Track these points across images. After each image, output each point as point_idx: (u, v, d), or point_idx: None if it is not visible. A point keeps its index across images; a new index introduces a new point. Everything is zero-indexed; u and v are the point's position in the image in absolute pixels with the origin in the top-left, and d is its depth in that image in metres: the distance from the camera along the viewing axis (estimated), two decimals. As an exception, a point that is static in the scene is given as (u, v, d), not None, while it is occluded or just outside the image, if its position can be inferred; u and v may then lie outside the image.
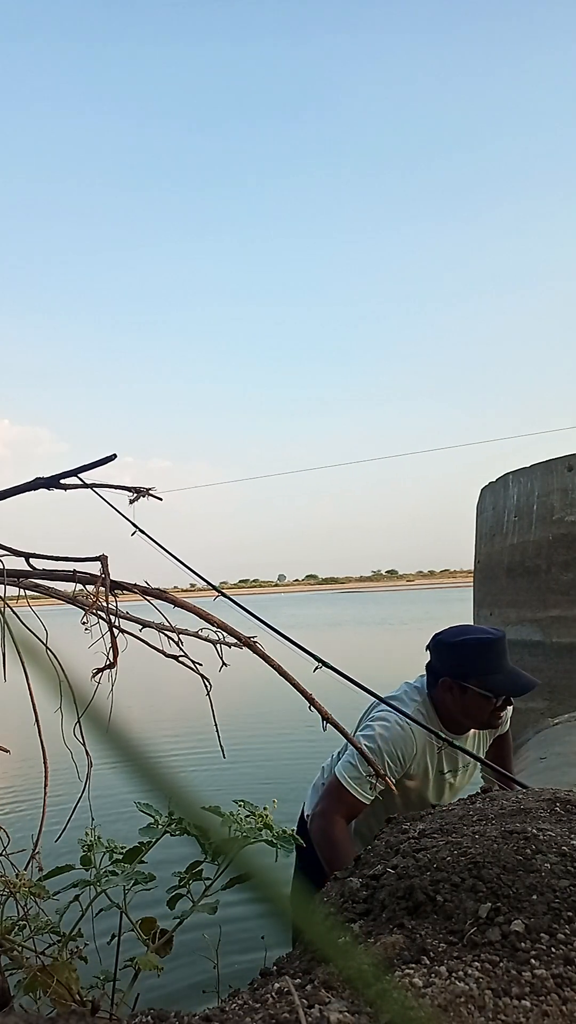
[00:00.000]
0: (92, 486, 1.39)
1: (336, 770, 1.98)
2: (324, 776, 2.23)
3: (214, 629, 1.37)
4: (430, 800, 2.04)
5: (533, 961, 0.79)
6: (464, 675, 1.96)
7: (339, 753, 2.14)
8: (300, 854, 1.84)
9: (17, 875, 1.28)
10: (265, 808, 1.36)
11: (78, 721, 0.95)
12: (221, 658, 1.37)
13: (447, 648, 2.00)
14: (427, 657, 2.11)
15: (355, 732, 2.04)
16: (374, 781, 1.86)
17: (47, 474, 1.35)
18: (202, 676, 1.35)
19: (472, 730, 2.11)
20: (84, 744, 1.10)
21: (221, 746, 1.42)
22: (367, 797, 1.91)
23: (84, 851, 1.35)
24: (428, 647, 2.08)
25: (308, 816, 2.16)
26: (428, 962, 0.82)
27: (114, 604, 1.29)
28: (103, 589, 1.26)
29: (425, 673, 2.12)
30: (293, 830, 1.36)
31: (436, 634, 2.08)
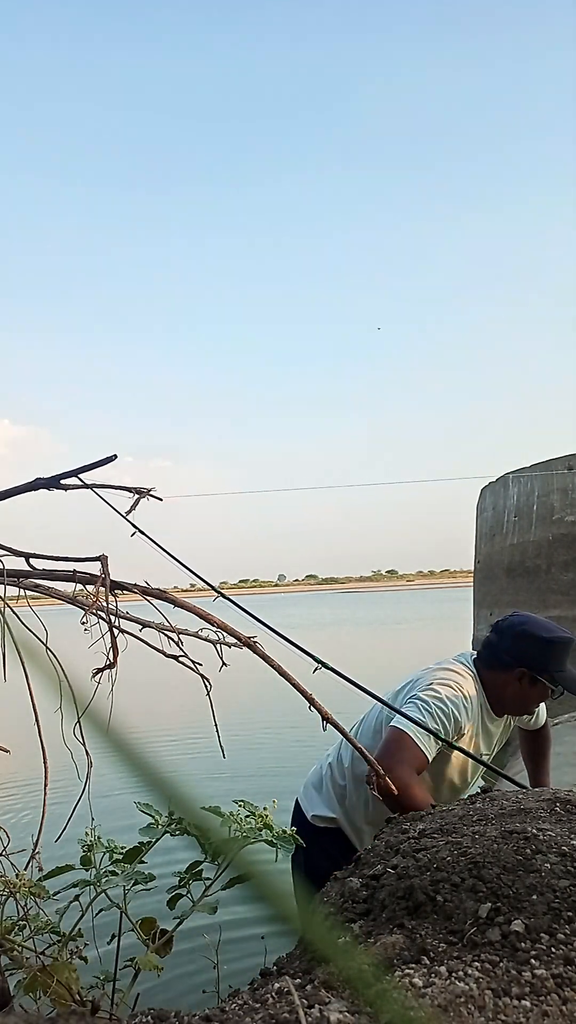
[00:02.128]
0: (92, 486, 1.39)
1: (394, 723, 1.89)
2: (324, 772, 2.20)
3: (214, 629, 1.38)
4: (468, 775, 2.04)
5: (533, 961, 0.79)
6: (542, 669, 1.97)
7: (357, 731, 2.11)
8: (303, 854, 1.81)
9: (17, 875, 1.28)
10: (265, 808, 1.36)
11: (78, 721, 0.95)
12: (221, 658, 1.37)
13: (536, 641, 1.98)
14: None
15: (406, 694, 2.02)
16: (435, 739, 1.84)
17: (47, 474, 1.35)
18: (202, 676, 1.36)
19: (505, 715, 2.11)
20: (84, 744, 1.10)
21: (221, 746, 1.42)
22: (431, 751, 1.85)
23: (84, 851, 1.35)
24: (499, 632, 2.05)
25: (313, 816, 2.15)
26: (428, 962, 0.82)
27: (114, 604, 1.29)
28: (103, 589, 1.26)
29: (475, 651, 2.11)
30: (293, 830, 1.36)
31: (511, 622, 2.06)
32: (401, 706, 1.93)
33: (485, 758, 2.04)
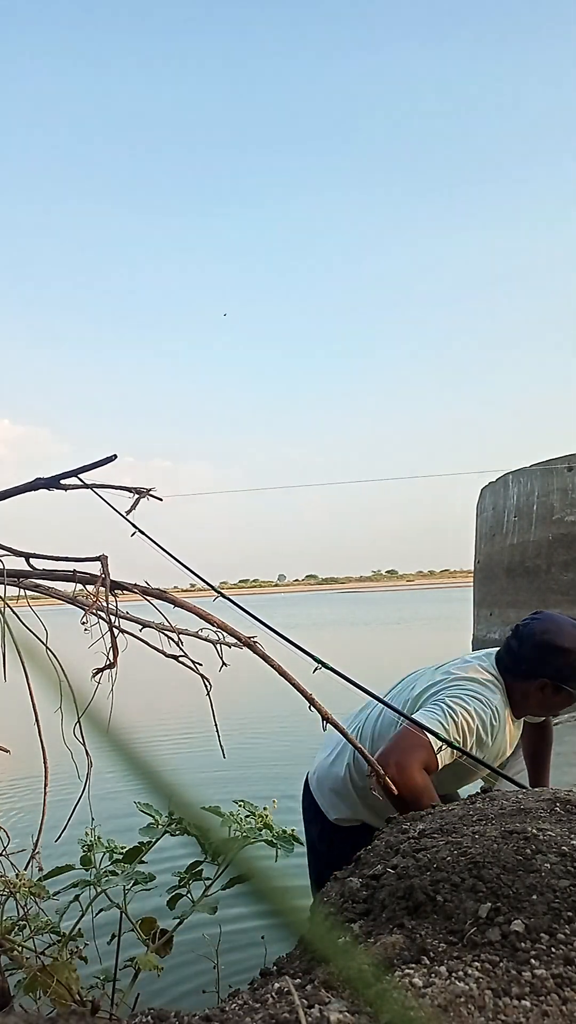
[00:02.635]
0: (92, 486, 1.39)
1: (421, 722, 1.83)
2: (343, 775, 2.14)
3: (214, 629, 1.38)
4: (473, 776, 1.99)
5: (533, 961, 0.79)
6: (565, 679, 1.93)
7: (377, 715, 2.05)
8: (326, 848, 1.77)
9: (17, 875, 1.28)
10: (265, 808, 1.36)
11: (78, 721, 0.95)
12: (221, 658, 1.37)
13: (558, 652, 1.93)
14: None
15: (429, 695, 1.95)
16: (454, 747, 1.78)
17: (47, 474, 1.35)
18: (202, 676, 1.36)
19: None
20: (84, 744, 1.10)
21: (221, 746, 1.42)
22: (446, 759, 1.80)
23: (84, 851, 1.35)
24: (520, 638, 1.98)
25: (336, 819, 2.09)
26: (428, 962, 0.82)
27: (114, 604, 1.29)
28: (103, 589, 1.26)
29: (500, 653, 2.04)
30: (293, 830, 1.37)
31: (531, 629, 1.99)
32: (423, 705, 1.89)
33: (503, 759, 2.01)
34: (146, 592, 1.36)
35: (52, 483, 1.35)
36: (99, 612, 1.27)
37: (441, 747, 1.76)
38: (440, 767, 1.77)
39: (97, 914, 1.31)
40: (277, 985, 0.81)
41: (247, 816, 1.34)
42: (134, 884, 1.30)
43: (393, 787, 1.61)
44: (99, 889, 1.29)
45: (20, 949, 1.21)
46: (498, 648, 2.07)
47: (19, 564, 1.31)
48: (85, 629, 1.25)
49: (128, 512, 1.47)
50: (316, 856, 2.04)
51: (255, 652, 1.36)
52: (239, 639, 1.38)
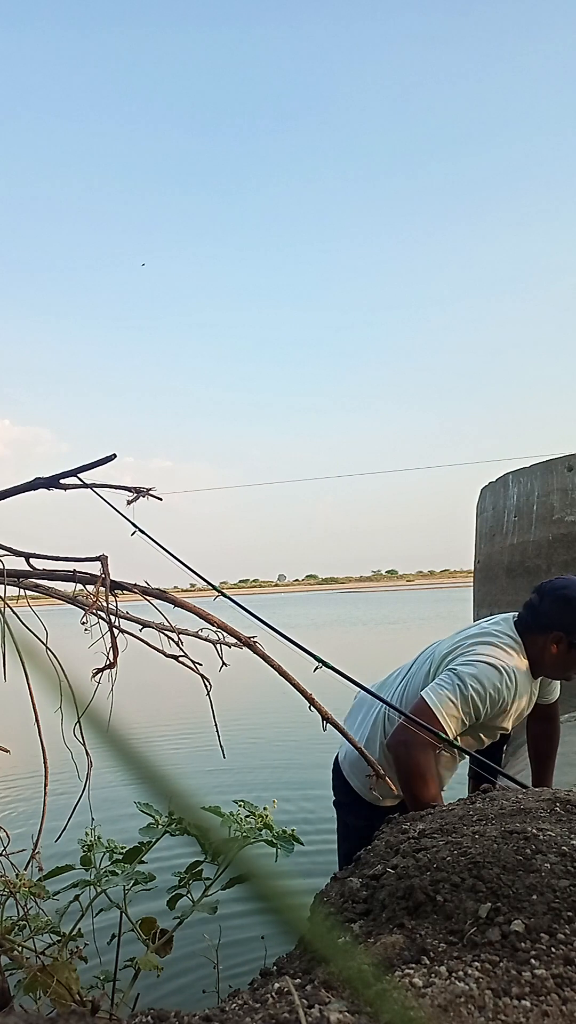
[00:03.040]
0: (92, 486, 1.39)
1: (426, 695, 1.86)
2: (377, 758, 2.12)
3: (214, 629, 1.38)
4: (508, 727, 2.01)
5: (533, 961, 0.79)
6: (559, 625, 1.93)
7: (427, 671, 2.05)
8: (366, 823, 1.82)
9: (17, 875, 1.28)
10: (265, 808, 1.36)
11: (78, 721, 0.95)
12: (221, 658, 1.37)
13: (570, 605, 1.94)
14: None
15: (448, 661, 1.98)
16: (467, 719, 1.82)
17: (47, 474, 1.35)
18: (202, 676, 1.36)
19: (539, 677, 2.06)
20: (84, 744, 1.10)
21: (221, 746, 1.42)
22: (455, 732, 1.84)
23: (84, 851, 1.35)
24: (540, 593, 2.01)
25: (344, 760, 2.12)
26: (428, 962, 0.82)
27: (114, 604, 1.29)
28: (103, 589, 1.26)
29: (520, 613, 2.06)
30: (293, 830, 1.36)
31: (553, 584, 2.02)
32: (441, 672, 1.92)
33: (520, 721, 2.02)
34: (146, 592, 1.36)
35: (52, 483, 1.35)
36: (99, 612, 1.27)
37: (452, 718, 1.80)
38: (455, 736, 1.82)
39: (97, 914, 1.31)
40: (277, 985, 0.81)
41: (247, 816, 1.34)
42: (134, 884, 1.29)
43: (393, 786, 1.62)
44: (99, 889, 1.29)
45: (20, 949, 1.21)
46: (517, 611, 2.08)
47: (19, 564, 1.31)
48: (85, 629, 1.25)
49: (129, 512, 1.47)
50: (358, 838, 2.03)
51: (255, 652, 1.36)
52: (239, 639, 1.37)
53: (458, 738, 1.87)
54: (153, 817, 1.37)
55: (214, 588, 1.68)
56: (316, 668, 1.59)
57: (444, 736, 1.78)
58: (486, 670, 1.87)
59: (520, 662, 1.93)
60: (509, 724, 1.98)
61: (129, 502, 1.45)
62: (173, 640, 1.36)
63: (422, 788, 1.75)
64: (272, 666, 1.35)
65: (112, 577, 1.28)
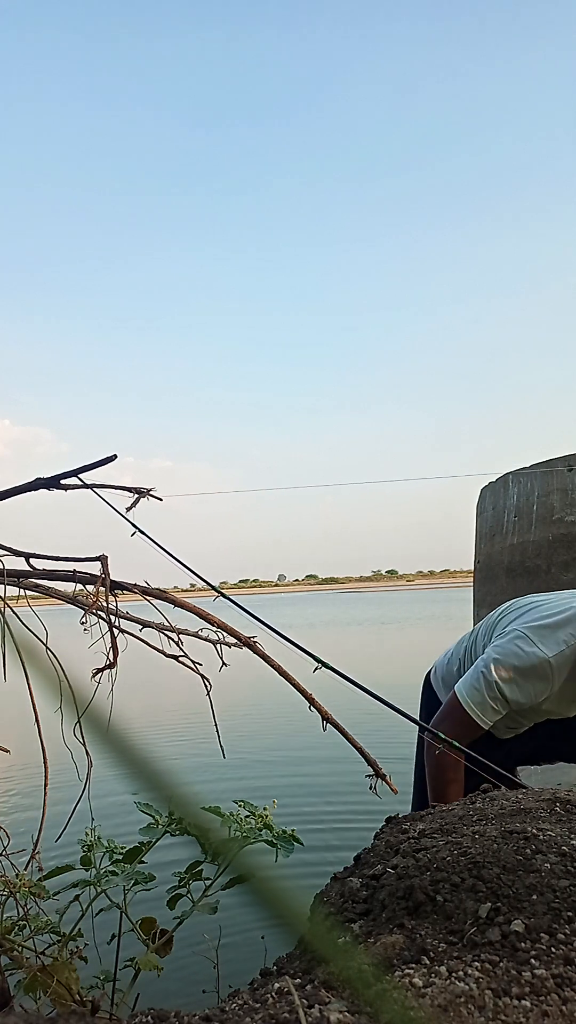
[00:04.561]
0: (92, 486, 1.39)
1: (457, 689, 1.87)
2: (465, 655, 2.14)
3: (214, 629, 1.38)
4: (566, 712, 1.96)
5: (533, 961, 0.79)
6: None
7: (484, 638, 2.05)
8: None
9: (17, 875, 1.28)
10: (265, 808, 1.36)
11: (78, 721, 0.95)
12: (221, 658, 1.37)
13: None
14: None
15: (498, 631, 1.97)
16: (497, 706, 1.82)
17: (47, 474, 1.35)
18: (202, 676, 1.36)
19: None
20: (84, 744, 1.10)
21: (221, 746, 1.42)
22: (487, 722, 1.84)
23: (84, 851, 1.35)
24: None
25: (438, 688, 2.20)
26: (428, 962, 0.82)
27: (114, 604, 1.29)
28: (103, 589, 1.26)
29: None
30: (293, 830, 1.36)
31: None
32: (492, 641, 1.94)
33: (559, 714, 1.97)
34: (146, 592, 1.36)
35: (52, 483, 1.35)
36: (99, 612, 1.27)
37: (480, 706, 1.84)
38: (487, 727, 1.86)
39: (97, 914, 1.31)
40: (277, 985, 0.81)
41: (247, 816, 1.34)
42: (134, 884, 1.29)
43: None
44: (99, 889, 1.29)
45: (20, 949, 1.21)
46: None
47: (19, 564, 1.31)
48: (85, 629, 1.25)
49: (128, 512, 1.47)
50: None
51: (255, 652, 1.36)
52: (239, 639, 1.38)
53: (497, 724, 1.89)
54: (153, 817, 1.37)
55: (213, 588, 1.68)
56: (316, 669, 1.59)
57: (463, 732, 1.84)
58: (511, 651, 1.84)
59: (557, 655, 1.83)
60: (557, 708, 1.91)
61: (129, 507, 1.45)
62: (173, 640, 1.36)
63: (441, 784, 1.83)
64: (272, 666, 1.35)
65: (112, 577, 1.28)
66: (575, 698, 1.92)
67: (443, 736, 1.77)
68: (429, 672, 2.38)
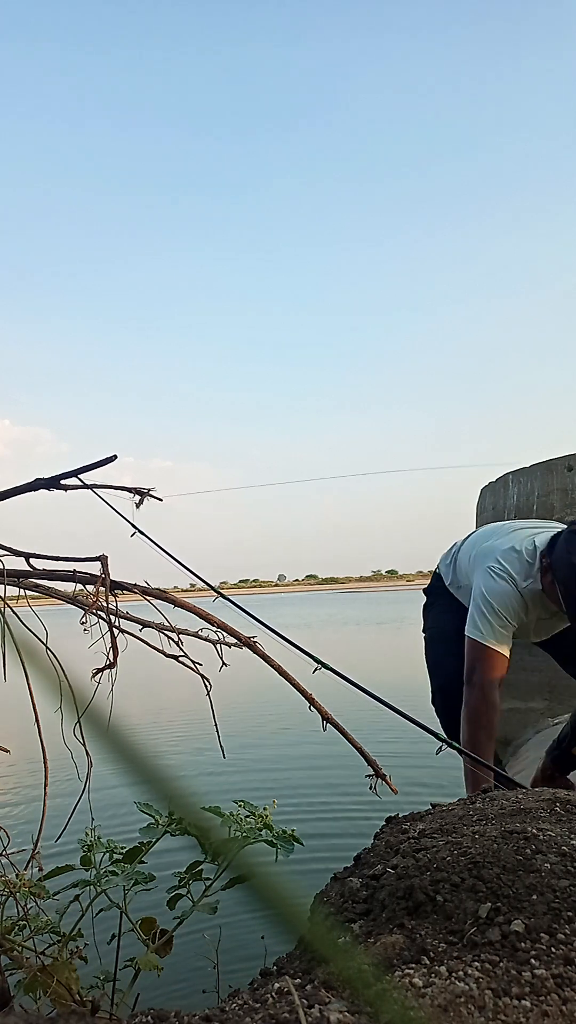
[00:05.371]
0: (92, 487, 1.39)
1: (468, 633, 2.15)
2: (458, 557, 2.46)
3: (214, 629, 1.38)
4: (532, 637, 2.30)
5: (533, 961, 0.79)
6: (552, 566, 2.12)
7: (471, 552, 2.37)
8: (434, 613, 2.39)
9: (17, 875, 1.28)
10: (265, 808, 1.36)
11: (78, 721, 0.95)
12: (221, 658, 1.37)
13: (564, 537, 2.12)
14: None
15: (477, 556, 2.28)
16: (505, 629, 2.11)
17: (47, 474, 1.35)
18: (202, 676, 1.36)
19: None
20: (84, 744, 1.10)
21: (221, 746, 1.42)
22: (508, 646, 2.14)
23: (84, 851, 1.35)
24: (567, 525, 2.21)
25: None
26: (428, 962, 0.82)
27: (114, 604, 1.29)
28: (103, 589, 1.26)
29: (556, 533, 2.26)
30: (293, 830, 1.36)
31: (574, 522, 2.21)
32: (472, 563, 2.29)
33: (546, 620, 2.25)
34: (146, 592, 1.36)
35: (52, 483, 1.35)
36: (99, 612, 1.27)
37: (499, 636, 2.13)
38: (508, 653, 2.15)
39: (97, 914, 1.31)
40: (277, 985, 0.81)
41: (247, 816, 1.34)
42: (134, 884, 1.29)
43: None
44: (99, 889, 1.29)
45: (20, 949, 1.21)
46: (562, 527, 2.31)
47: (19, 564, 1.31)
48: (85, 629, 1.25)
49: (129, 512, 1.47)
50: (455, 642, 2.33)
51: (255, 652, 1.36)
52: (239, 639, 1.38)
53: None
54: (153, 817, 1.37)
55: (213, 589, 1.68)
56: (316, 669, 1.59)
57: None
58: (493, 598, 2.15)
59: (522, 588, 2.16)
60: (530, 629, 2.26)
61: (137, 506, 1.45)
62: (173, 640, 1.36)
63: (483, 731, 2.10)
64: (272, 666, 1.35)
65: (112, 577, 1.28)
66: (552, 613, 2.23)
67: (447, 739, 1.89)
68: (439, 571, 2.71)
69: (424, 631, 2.73)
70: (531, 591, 2.14)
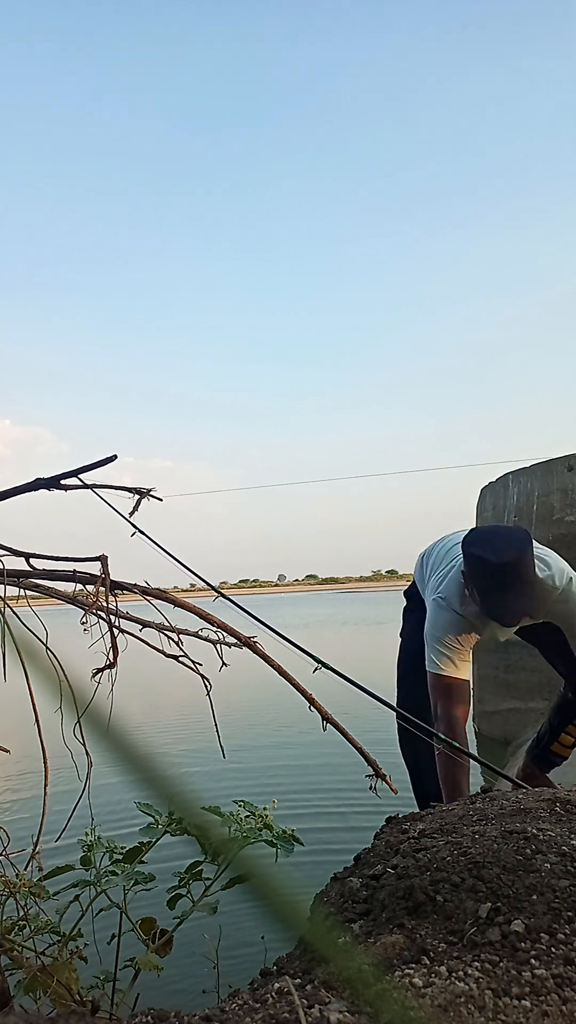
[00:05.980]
0: (92, 487, 1.39)
1: (427, 667, 2.20)
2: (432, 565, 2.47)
3: (214, 629, 1.38)
4: (500, 638, 2.29)
5: (533, 961, 0.79)
6: (473, 586, 2.14)
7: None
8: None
9: (17, 875, 1.28)
10: (265, 808, 1.36)
11: (78, 721, 0.95)
12: (221, 658, 1.37)
13: (472, 556, 2.12)
14: None
15: (432, 584, 2.32)
16: (458, 654, 2.15)
17: (48, 474, 1.35)
18: (202, 676, 1.36)
19: None
20: (84, 744, 1.10)
21: (221, 746, 1.42)
22: (467, 665, 2.18)
23: (84, 851, 1.35)
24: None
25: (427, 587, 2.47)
26: (428, 962, 0.82)
27: (114, 604, 1.29)
28: (103, 589, 1.26)
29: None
30: (293, 830, 1.36)
31: (473, 530, 2.24)
32: (428, 581, 2.36)
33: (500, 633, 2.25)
34: (146, 592, 1.36)
35: (52, 483, 1.35)
36: (99, 612, 1.27)
37: (453, 664, 2.18)
38: (468, 676, 2.20)
39: (97, 914, 1.31)
40: (277, 985, 0.81)
41: (247, 816, 1.34)
42: (134, 884, 1.29)
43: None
44: (99, 889, 1.29)
45: (20, 949, 1.21)
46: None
47: (19, 564, 1.31)
48: (85, 629, 1.25)
49: (129, 513, 1.47)
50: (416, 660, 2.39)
51: (255, 652, 1.36)
52: (239, 639, 1.38)
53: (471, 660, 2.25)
54: (153, 817, 1.37)
55: (213, 589, 1.68)
56: (316, 669, 1.59)
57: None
58: (439, 627, 2.22)
59: (461, 613, 2.21)
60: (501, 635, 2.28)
61: (132, 510, 1.45)
62: (173, 640, 1.36)
63: (451, 768, 2.09)
64: (272, 666, 1.35)
65: (112, 577, 1.28)
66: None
67: (439, 733, 1.91)
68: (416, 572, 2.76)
69: (400, 635, 2.76)
70: (473, 613, 2.18)
